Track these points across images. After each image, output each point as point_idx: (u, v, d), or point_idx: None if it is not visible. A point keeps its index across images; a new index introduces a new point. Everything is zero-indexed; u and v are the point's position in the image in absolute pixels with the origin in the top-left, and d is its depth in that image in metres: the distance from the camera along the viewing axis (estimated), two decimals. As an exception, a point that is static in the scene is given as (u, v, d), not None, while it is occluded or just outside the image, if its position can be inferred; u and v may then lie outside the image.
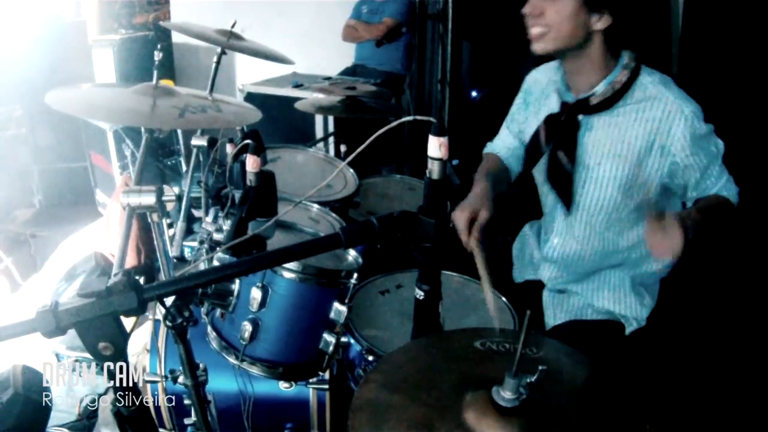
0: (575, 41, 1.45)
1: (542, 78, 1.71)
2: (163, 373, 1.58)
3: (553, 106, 1.62)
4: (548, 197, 1.73)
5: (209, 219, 1.63)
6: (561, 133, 1.57)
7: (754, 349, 2.38)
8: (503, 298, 1.72)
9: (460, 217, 1.41)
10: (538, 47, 1.46)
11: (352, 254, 1.52)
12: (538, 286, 1.82)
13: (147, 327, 1.89)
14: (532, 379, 0.80)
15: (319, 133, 3.59)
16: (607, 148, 1.53)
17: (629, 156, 1.51)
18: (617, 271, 1.70)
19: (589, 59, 1.48)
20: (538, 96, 1.71)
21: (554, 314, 1.76)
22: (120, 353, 0.88)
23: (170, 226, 2.00)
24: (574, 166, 1.56)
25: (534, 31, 1.45)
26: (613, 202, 1.57)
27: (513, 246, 1.98)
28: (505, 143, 1.83)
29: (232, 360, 1.37)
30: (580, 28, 1.42)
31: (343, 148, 2.83)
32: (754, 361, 2.33)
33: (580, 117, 1.54)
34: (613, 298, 1.69)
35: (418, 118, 1.06)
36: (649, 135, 1.48)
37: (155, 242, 1.33)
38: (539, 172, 1.72)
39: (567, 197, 1.60)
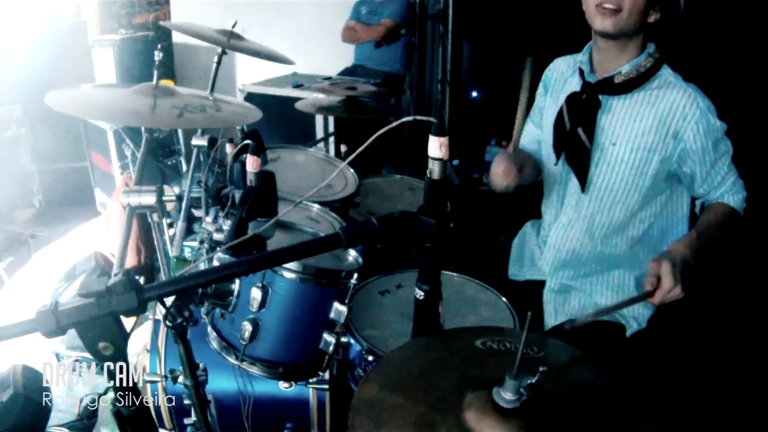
0: (634, 29, 1.53)
1: (562, 64, 1.78)
2: (163, 373, 1.58)
3: (574, 87, 1.68)
4: (558, 179, 1.75)
5: (209, 219, 1.63)
6: (582, 111, 1.63)
7: (754, 351, 2.38)
8: (503, 299, 1.72)
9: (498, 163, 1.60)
10: (608, 23, 1.51)
11: (352, 254, 1.52)
12: (538, 286, 1.82)
13: (147, 327, 1.88)
14: (533, 381, 0.80)
15: (319, 133, 3.59)
16: (622, 130, 1.59)
17: (642, 140, 1.56)
18: (621, 270, 1.70)
19: (628, 45, 1.56)
20: (558, 79, 1.77)
21: (555, 314, 1.76)
22: (120, 353, 0.88)
23: (170, 226, 2.00)
24: (592, 144, 1.61)
25: (608, 6, 1.49)
26: (623, 184, 1.61)
27: (512, 243, 1.98)
28: (531, 135, 1.86)
29: (232, 360, 1.36)
30: (641, 18, 1.51)
31: (343, 148, 2.83)
32: (754, 362, 2.33)
33: (601, 96, 1.61)
34: (617, 298, 1.69)
35: (418, 118, 1.06)
36: (664, 121, 1.54)
37: (155, 242, 1.33)
38: (548, 155, 1.74)
39: (583, 175, 1.65)
